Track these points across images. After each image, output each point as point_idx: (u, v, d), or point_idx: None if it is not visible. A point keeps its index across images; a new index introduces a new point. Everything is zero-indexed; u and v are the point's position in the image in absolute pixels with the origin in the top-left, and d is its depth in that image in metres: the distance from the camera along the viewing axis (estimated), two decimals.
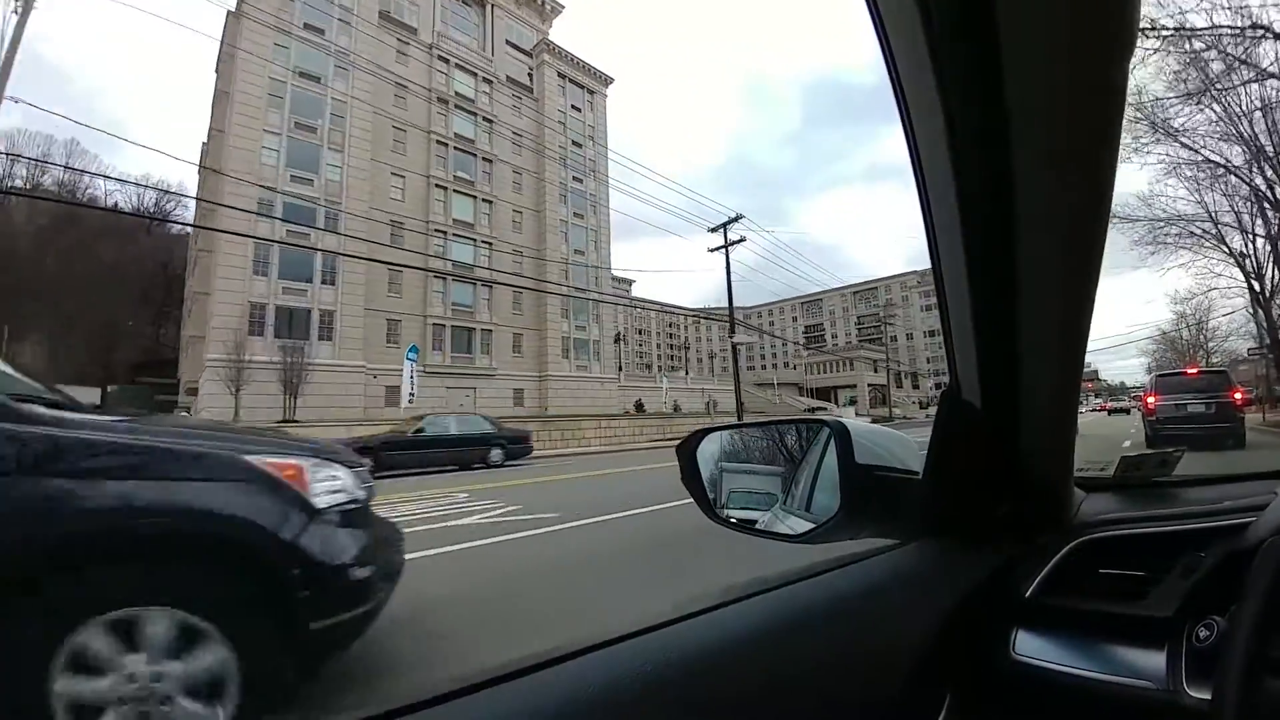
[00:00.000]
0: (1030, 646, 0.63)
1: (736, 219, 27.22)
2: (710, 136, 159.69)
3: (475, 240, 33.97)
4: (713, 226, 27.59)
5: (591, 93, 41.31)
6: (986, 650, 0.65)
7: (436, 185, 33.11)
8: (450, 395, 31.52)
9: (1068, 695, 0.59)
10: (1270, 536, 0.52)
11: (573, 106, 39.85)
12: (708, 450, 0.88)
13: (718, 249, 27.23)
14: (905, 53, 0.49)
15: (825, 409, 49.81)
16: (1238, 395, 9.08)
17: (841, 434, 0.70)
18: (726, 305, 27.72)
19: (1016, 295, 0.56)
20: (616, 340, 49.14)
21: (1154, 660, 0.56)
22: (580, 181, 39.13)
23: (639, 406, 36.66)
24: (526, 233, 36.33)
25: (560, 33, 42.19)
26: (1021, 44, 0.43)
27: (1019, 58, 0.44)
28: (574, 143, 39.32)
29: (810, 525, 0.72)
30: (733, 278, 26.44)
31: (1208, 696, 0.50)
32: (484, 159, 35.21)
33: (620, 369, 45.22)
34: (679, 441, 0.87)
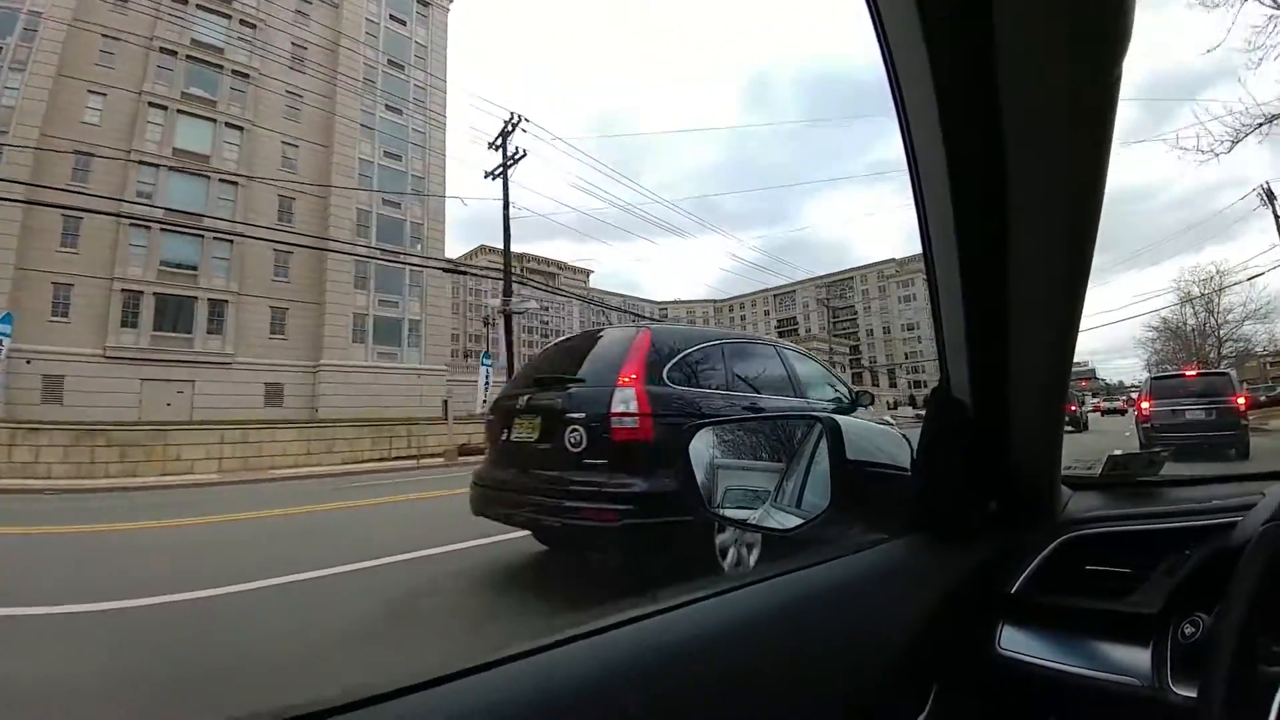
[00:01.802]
0: (1015, 641, 0.63)
1: (516, 123, 17.65)
2: (711, 132, 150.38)
3: (210, 177, 24.38)
4: (491, 141, 18.01)
5: (425, 4, 31.85)
6: (972, 644, 0.65)
7: (152, 104, 23.63)
8: (151, 392, 21.80)
9: (1052, 690, 0.60)
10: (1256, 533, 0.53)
11: (391, 17, 30.39)
12: (701, 444, 0.88)
13: (495, 172, 17.74)
14: (902, 51, 0.49)
15: None
16: (1241, 400, 8.21)
17: (833, 430, 0.71)
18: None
19: (1008, 294, 0.57)
20: (488, 323, 39.57)
21: (1139, 657, 0.56)
22: (399, 113, 29.56)
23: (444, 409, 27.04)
24: (306, 173, 26.69)
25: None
26: (1017, 42, 0.43)
27: (1015, 56, 0.44)
28: (391, 62, 29.81)
29: (800, 520, 0.73)
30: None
31: (1192, 694, 0.50)
32: (236, 73, 25.71)
33: (467, 357, 35.52)
34: None
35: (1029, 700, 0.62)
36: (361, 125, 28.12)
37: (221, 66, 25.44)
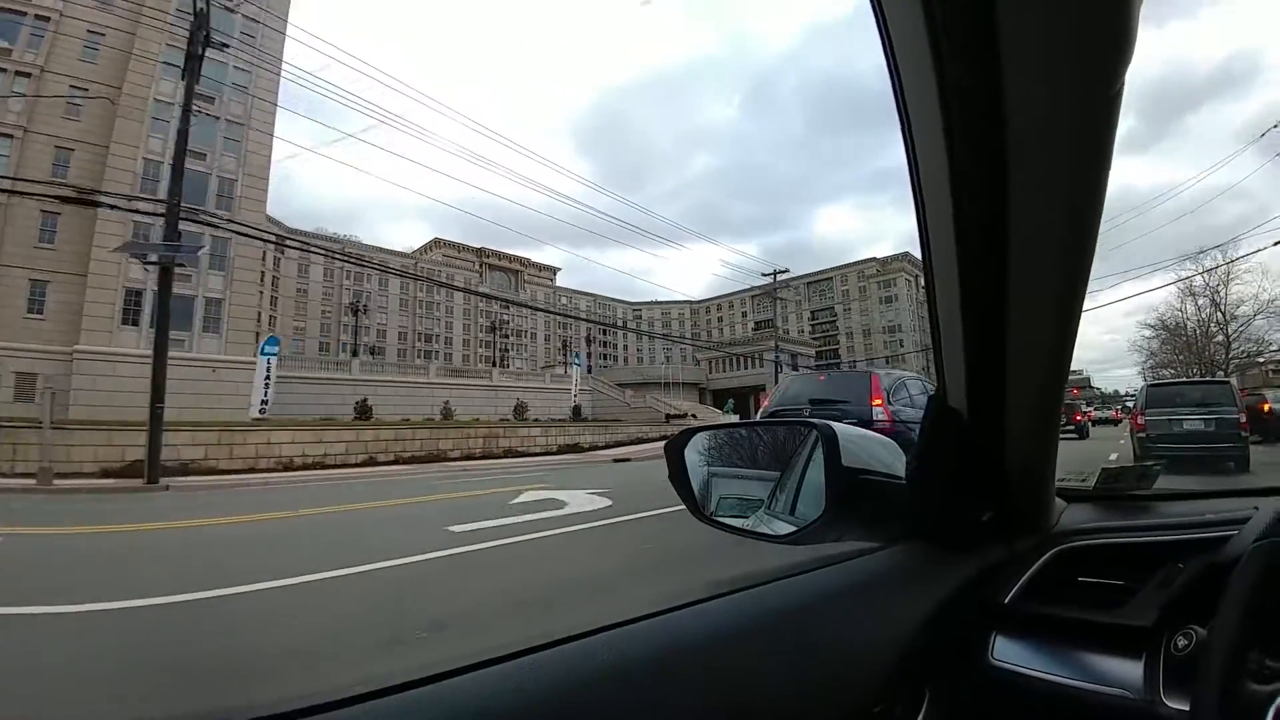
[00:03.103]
0: (1008, 652, 0.64)
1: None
2: (712, 138, 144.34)
3: None
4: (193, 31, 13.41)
5: None
6: (965, 654, 0.66)
7: None
8: None
9: (1045, 701, 0.60)
10: (1250, 548, 0.53)
11: None
12: (696, 450, 0.88)
13: (186, 67, 13.02)
14: (908, 64, 0.50)
15: (686, 418, 35.20)
16: (1242, 417, 7.73)
17: (829, 437, 0.70)
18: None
19: (1006, 305, 0.57)
20: (356, 309, 34.59)
21: (1131, 670, 0.57)
22: (223, 49, 24.89)
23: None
24: (90, 120, 22.11)
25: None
26: (1021, 55, 0.43)
27: (1019, 68, 0.44)
28: None
29: (795, 527, 0.73)
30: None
31: (1184, 707, 0.50)
32: (38, 16, 21.48)
33: (331, 349, 30.90)
34: (668, 440, 0.88)
35: (1021, 710, 0.61)
36: (164, 63, 23.48)
37: (25, 13, 21.28)
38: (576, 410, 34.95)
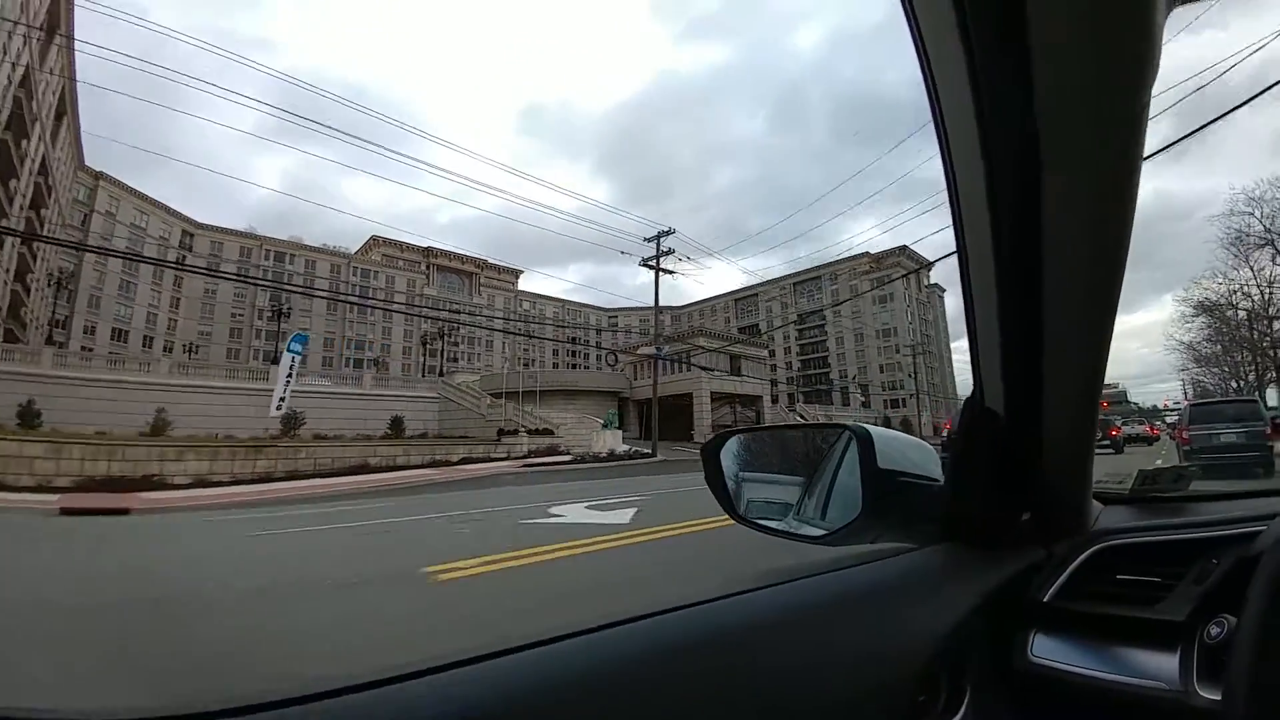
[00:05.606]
0: (1047, 649, 0.66)
1: None
2: (737, 151, 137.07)
3: None
4: None
5: None
6: (1005, 651, 0.67)
7: None
8: None
9: (1083, 696, 0.62)
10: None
11: None
12: (730, 452, 0.90)
13: None
14: (945, 77, 0.51)
15: (519, 434, 26.69)
16: (1267, 428, 9.01)
17: (864, 439, 0.71)
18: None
19: (1042, 310, 0.59)
20: (58, 283, 27.53)
21: (1167, 662, 0.58)
22: None
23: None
24: None
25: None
26: (1053, 69, 0.45)
27: (1051, 82, 0.46)
28: None
29: (831, 528, 0.74)
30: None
31: (1217, 697, 0.52)
32: None
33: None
34: (704, 443, 0.88)
35: (1060, 706, 0.63)
36: None
37: None
38: (396, 423, 27.05)
